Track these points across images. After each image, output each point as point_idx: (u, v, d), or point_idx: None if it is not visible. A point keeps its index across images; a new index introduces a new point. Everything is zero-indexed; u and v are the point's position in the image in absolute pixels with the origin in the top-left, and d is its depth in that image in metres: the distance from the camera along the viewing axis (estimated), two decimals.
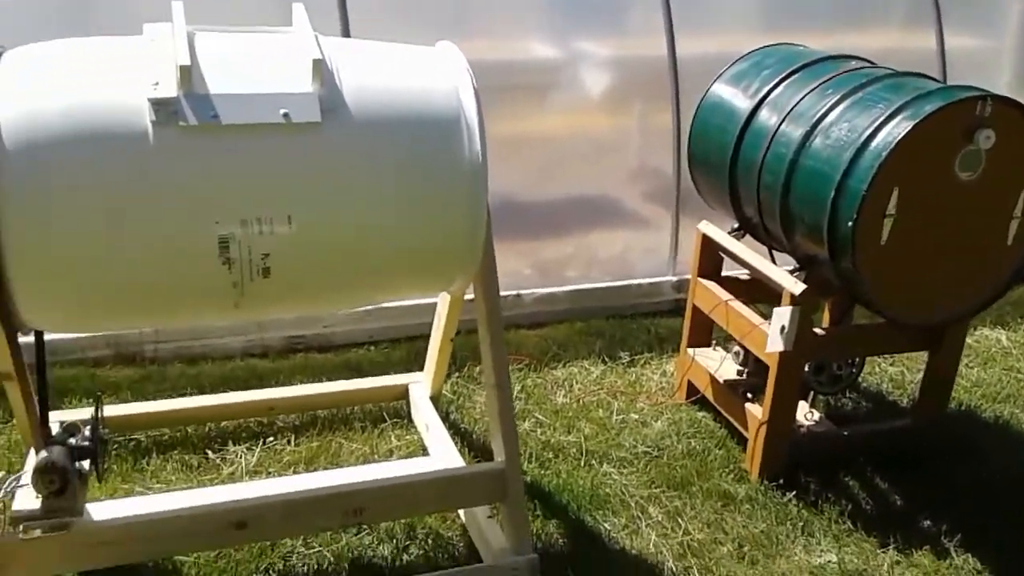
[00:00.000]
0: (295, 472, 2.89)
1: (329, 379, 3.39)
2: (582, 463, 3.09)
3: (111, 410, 2.96)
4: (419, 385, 3.22)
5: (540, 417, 3.32)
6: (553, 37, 4.19)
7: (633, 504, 2.89)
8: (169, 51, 2.09)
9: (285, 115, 2.08)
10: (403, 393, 3.25)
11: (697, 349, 3.49)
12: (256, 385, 3.31)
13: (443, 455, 2.82)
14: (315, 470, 2.91)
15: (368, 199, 2.17)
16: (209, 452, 2.95)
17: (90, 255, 2.01)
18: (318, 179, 2.12)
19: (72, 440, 2.18)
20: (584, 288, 4.20)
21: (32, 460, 2.26)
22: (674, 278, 4.32)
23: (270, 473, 2.89)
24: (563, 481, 2.96)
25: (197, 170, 2.04)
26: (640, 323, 4.16)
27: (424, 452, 3.00)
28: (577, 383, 3.60)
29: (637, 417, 3.39)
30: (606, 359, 3.80)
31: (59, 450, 2.14)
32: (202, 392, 3.27)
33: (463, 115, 2.23)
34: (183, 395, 3.22)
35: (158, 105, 2.00)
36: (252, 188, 2.08)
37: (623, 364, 3.77)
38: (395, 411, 3.25)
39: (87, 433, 2.22)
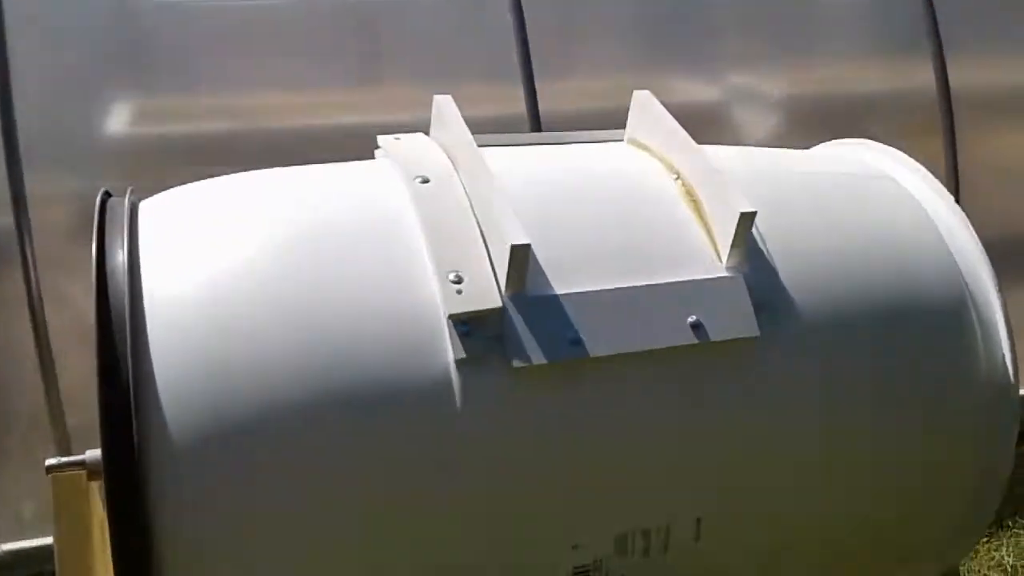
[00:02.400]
0: None
1: None
2: None
3: None
4: None
5: None
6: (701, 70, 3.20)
7: None
8: (454, 202, 1.16)
9: (696, 327, 1.13)
10: None
11: None
12: None
13: None
14: None
15: (836, 463, 1.21)
16: None
17: None
18: (754, 445, 1.15)
19: None
20: None
21: None
22: None
23: None
24: None
25: (540, 451, 1.07)
26: None
27: None
28: None
29: None
30: None
31: None
32: None
33: (968, 296, 1.31)
34: None
35: (467, 324, 1.06)
36: (639, 476, 1.11)
37: None
38: None
39: None
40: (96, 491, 1.27)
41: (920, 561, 1.45)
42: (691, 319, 1.13)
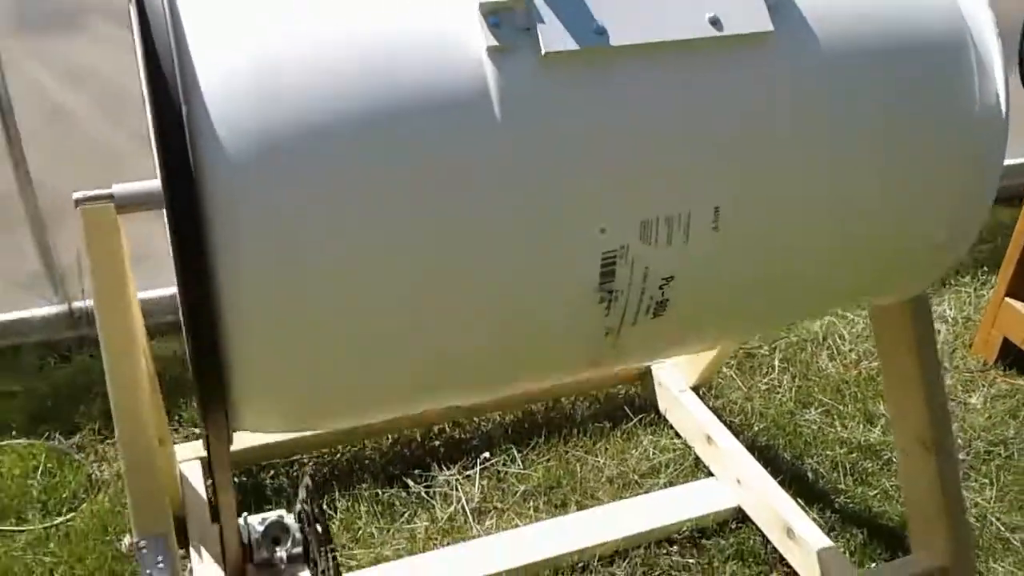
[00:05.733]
0: (536, 510, 2.08)
1: None
2: None
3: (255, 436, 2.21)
4: (667, 368, 2.37)
5: (825, 400, 2.46)
6: None
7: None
8: None
9: (714, 22, 1.17)
10: (642, 375, 2.40)
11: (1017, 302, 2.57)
12: None
13: (756, 490, 2.02)
14: (563, 505, 2.10)
15: (844, 160, 1.26)
16: (409, 481, 2.13)
17: (368, 300, 1.12)
18: (768, 136, 1.20)
19: (281, 554, 1.42)
20: None
21: None
22: None
23: (503, 514, 2.08)
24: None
25: (571, 136, 1.12)
26: None
27: (698, 467, 2.19)
28: (842, 339, 2.72)
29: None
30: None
31: None
32: None
33: (969, 36, 1.33)
34: None
35: (497, 16, 1.10)
36: (662, 164, 1.16)
37: None
38: (631, 401, 2.42)
39: (297, 534, 1.46)
40: (122, 224, 1.29)
41: (901, 279, 1.55)
42: (709, 15, 1.19)
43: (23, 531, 1.98)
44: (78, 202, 1.23)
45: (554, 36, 1.10)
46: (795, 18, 1.22)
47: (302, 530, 1.51)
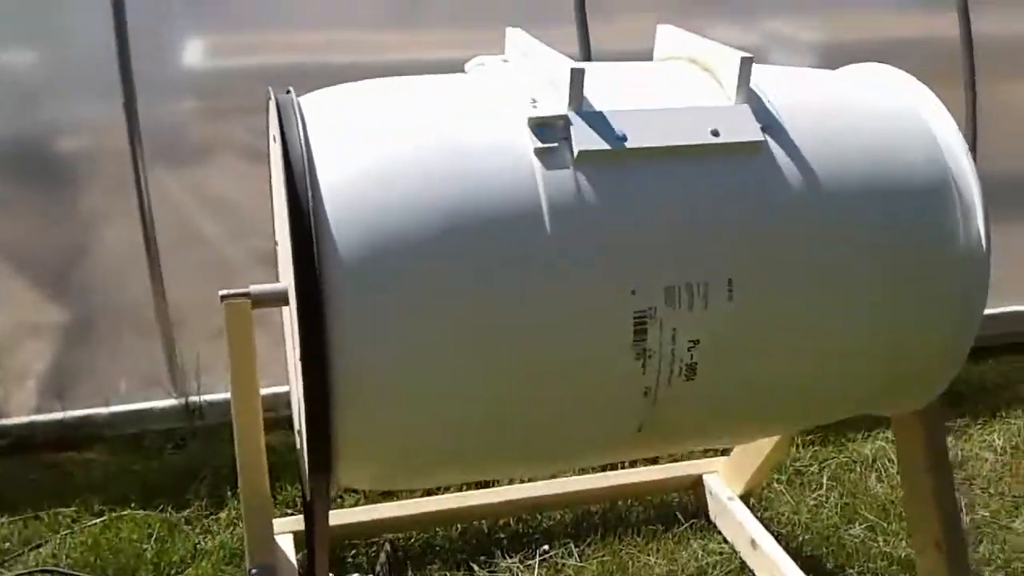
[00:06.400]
0: None
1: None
2: None
3: (348, 515, 2.43)
4: (716, 477, 2.58)
5: (870, 517, 2.61)
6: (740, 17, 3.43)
7: None
8: (528, 75, 1.55)
9: (714, 133, 1.47)
10: (694, 484, 2.60)
11: None
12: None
13: None
14: None
15: (831, 260, 1.52)
16: (474, 566, 2.36)
17: (445, 385, 1.41)
18: (764, 225, 1.48)
19: None
20: None
21: None
22: None
23: None
24: None
25: (603, 215, 1.42)
26: None
27: (743, 571, 2.35)
28: (891, 462, 2.82)
29: (988, 514, 2.69)
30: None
31: None
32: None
33: (951, 176, 1.60)
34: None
35: (543, 128, 1.42)
36: (679, 240, 1.45)
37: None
38: (685, 507, 2.61)
39: None
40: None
41: (898, 392, 1.75)
42: (710, 128, 1.50)
43: None
44: (223, 297, 1.55)
45: (585, 140, 1.43)
46: (785, 137, 1.51)
47: None
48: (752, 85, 1.55)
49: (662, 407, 1.49)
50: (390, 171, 1.37)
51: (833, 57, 3.53)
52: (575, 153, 1.43)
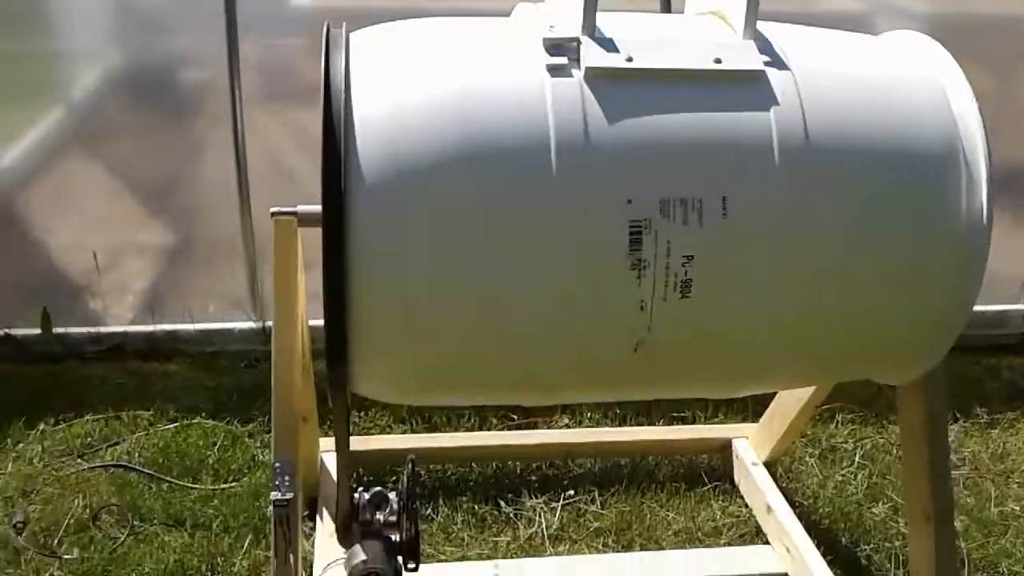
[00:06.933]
0: (604, 546, 2.42)
1: (626, 415, 2.91)
2: None
3: (387, 440, 2.68)
4: (745, 443, 2.67)
5: (895, 498, 2.66)
6: None
7: None
8: (556, 13, 1.64)
9: (717, 61, 1.57)
10: (723, 447, 2.70)
11: None
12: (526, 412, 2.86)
13: (803, 561, 2.23)
14: (628, 546, 2.43)
15: (826, 203, 1.56)
16: (501, 503, 2.53)
17: (463, 278, 1.51)
18: (762, 152, 1.54)
19: (380, 517, 1.82)
20: None
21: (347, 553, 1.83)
22: None
23: (574, 542, 2.44)
24: None
25: (604, 128, 1.51)
26: (984, 363, 3.36)
27: (759, 537, 2.45)
28: None
29: (1020, 509, 2.69)
30: (957, 415, 3.03)
31: (377, 550, 1.74)
32: (482, 421, 2.87)
33: (961, 146, 1.62)
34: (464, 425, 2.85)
35: (555, 47, 1.54)
36: (675, 157, 1.53)
37: (981, 424, 3.03)
38: (711, 469, 2.71)
39: (395, 505, 1.86)
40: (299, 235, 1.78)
41: (894, 358, 1.78)
42: (714, 57, 1.60)
43: (197, 488, 2.54)
44: (274, 214, 1.74)
45: (594, 58, 1.54)
46: (787, 71, 1.58)
47: (399, 502, 1.90)
48: (766, 33, 1.63)
49: (658, 325, 1.56)
50: (415, 105, 1.50)
51: (940, 28, 3.52)
52: (583, 69, 1.54)
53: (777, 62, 1.60)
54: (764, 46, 1.62)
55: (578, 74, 1.54)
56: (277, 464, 1.74)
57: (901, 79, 1.69)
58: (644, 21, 1.77)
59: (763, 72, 1.58)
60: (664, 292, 1.53)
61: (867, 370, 1.90)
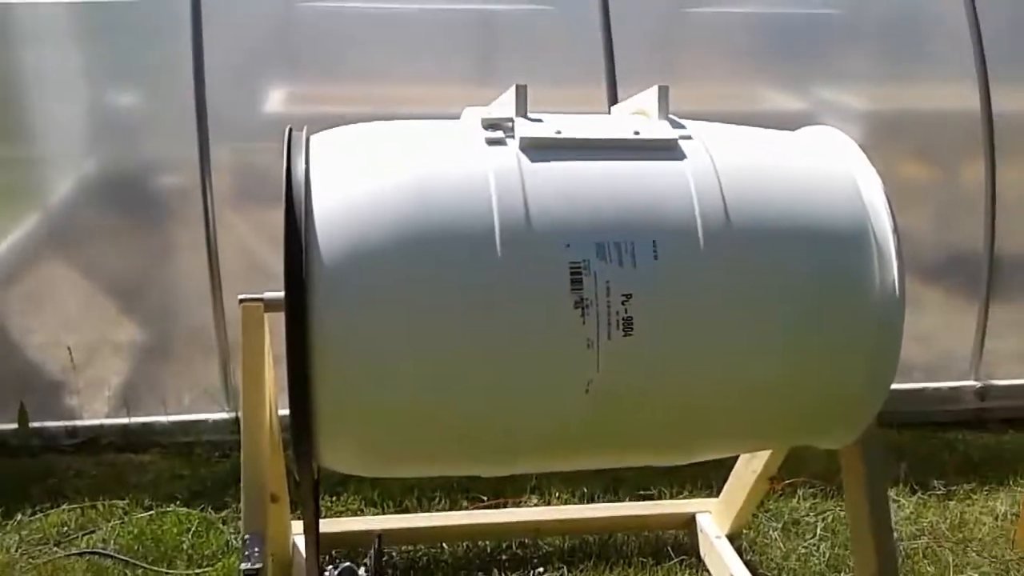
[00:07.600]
0: None
1: (594, 493, 2.99)
2: None
3: (359, 522, 2.72)
4: (708, 517, 2.74)
5: (852, 567, 2.72)
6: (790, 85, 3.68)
7: None
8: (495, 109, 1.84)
9: (636, 132, 1.78)
10: (688, 522, 2.77)
11: None
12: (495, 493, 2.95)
13: None
14: None
15: (749, 274, 1.69)
16: None
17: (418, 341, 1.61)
18: (682, 205, 1.69)
19: None
20: None
21: None
22: (977, 383, 3.66)
23: None
24: None
25: (540, 186, 1.66)
26: (940, 437, 3.48)
27: None
28: None
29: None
30: (915, 487, 3.13)
31: None
32: (453, 503, 2.94)
33: (871, 227, 1.77)
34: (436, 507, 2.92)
35: (492, 126, 1.73)
36: (606, 209, 1.68)
37: (938, 496, 3.11)
38: (678, 544, 2.77)
39: None
40: (266, 321, 1.87)
41: (823, 426, 1.89)
42: (633, 130, 1.80)
43: (172, 573, 2.57)
44: (242, 300, 1.85)
45: (527, 131, 1.73)
46: (699, 142, 1.76)
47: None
48: (683, 121, 1.83)
49: (606, 363, 1.65)
50: (367, 193, 1.64)
51: (883, 125, 3.74)
52: (518, 139, 1.72)
53: (689, 136, 1.80)
54: (677, 125, 1.83)
55: (513, 144, 1.73)
56: (246, 536, 1.81)
57: (810, 167, 1.86)
58: (571, 116, 1.92)
59: (676, 140, 1.78)
60: (608, 330, 1.64)
61: (804, 434, 1.99)
